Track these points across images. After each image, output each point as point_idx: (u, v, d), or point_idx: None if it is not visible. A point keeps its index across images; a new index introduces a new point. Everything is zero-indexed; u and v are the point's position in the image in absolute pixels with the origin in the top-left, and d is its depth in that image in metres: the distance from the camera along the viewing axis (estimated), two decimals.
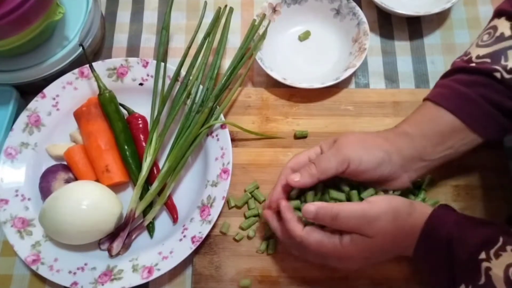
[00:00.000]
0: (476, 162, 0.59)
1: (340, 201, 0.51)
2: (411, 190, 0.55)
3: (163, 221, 0.58)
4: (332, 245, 0.46)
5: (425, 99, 0.53)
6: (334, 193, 0.51)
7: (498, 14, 0.52)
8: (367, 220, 0.44)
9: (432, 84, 0.65)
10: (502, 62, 0.48)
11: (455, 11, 0.70)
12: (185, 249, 0.53)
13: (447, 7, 0.65)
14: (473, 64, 0.50)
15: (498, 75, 0.48)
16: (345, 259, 0.47)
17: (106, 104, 0.59)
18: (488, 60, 0.49)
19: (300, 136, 0.61)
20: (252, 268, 0.55)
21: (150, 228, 0.57)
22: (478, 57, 0.50)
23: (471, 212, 0.57)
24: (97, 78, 0.60)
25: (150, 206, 0.57)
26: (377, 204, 0.45)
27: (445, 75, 0.54)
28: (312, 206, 0.45)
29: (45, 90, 0.61)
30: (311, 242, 0.46)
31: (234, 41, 0.69)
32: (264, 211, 0.52)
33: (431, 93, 0.53)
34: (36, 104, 0.60)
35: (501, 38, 0.49)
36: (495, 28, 0.50)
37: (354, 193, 0.51)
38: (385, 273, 0.54)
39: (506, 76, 0.48)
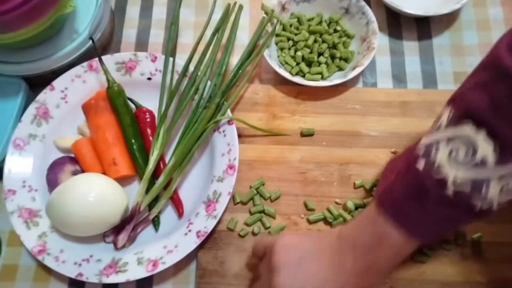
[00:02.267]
0: None
1: None
2: None
3: (168, 215, 0.58)
4: None
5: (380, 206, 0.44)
6: None
7: (467, 115, 0.39)
8: None
9: (440, 85, 0.65)
10: (483, 194, 0.39)
11: (464, 12, 0.70)
12: (190, 243, 0.54)
13: (457, 8, 0.65)
14: (450, 193, 0.39)
15: (476, 210, 0.40)
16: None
17: (114, 98, 0.59)
18: (466, 190, 0.39)
19: (307, 134, 0.61)
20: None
21: (156, 222, 0.57)
22: (454, 183, 0.39)
23: None
24: (106, 72, 0.60)
25: (155, 200, 0.57)
26: None
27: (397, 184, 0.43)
28: None
29: (54, 83, 0.61)
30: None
31: (243, 38, 0.69)
32: None
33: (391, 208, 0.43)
34: (45, 96, 0.61)
35: (483, 165, 0.38)
36: (470, 144, 0.39)
37: None
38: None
39: (485, 207, 0.40)
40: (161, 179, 0.56)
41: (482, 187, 0.39)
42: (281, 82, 0.64)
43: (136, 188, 0.57)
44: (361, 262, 0.43)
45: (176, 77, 0.61)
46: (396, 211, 0.42)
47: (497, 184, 0.39)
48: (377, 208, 0.43)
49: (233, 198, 0.58)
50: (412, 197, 0.42)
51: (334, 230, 0.47)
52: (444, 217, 0.41)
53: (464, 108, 0.40)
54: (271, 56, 0.63)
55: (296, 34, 0.64)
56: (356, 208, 0.57)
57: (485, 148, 0.38)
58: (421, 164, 0.41)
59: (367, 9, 0.64)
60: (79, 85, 0.62)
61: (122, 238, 0.54)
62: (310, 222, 0.57)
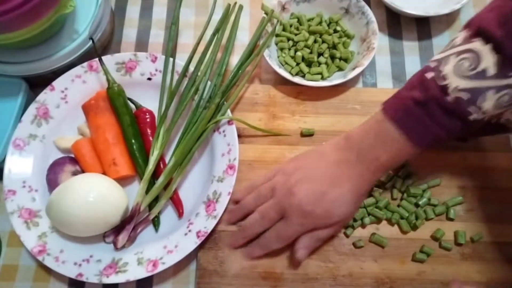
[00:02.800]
0: (482, 164, 0.59)
1: None
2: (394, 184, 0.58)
3: (168, 215, 0.58)
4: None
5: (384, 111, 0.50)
6: None
7: (478, 33, 0.45)
8: None
9: None
10: (478, 103, 0.44)
11: (464, 12, 0.70)
12: (190, 243, 0.54)
13: (456, 8, 0.65)
14: (449, 99, 0.45)
15: (470, 118, 0.45)
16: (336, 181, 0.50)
17: (114, 98, 0.59)
18: (465, 98, 0.44)
19: (307, 134, 0.61)
20: (256, 264, 0.55)
21: (156, 222, 0.57)
22: (455, 89, 0.44)
23: (477, 214, 0.57)
24: (106, 72, 0.60)
25: (155, 200, 0.57)
26: None
27: (411, 86, 0.48)
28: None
29: (54, 83, 0.61)
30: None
31: (243, 38, 0.69)
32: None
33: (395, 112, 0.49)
34: (45, 96, 0.61)
35: (483, 75, 0.43)
36: (476, 56, 0.44)
37: None
38: (389, 272, 0.54)
39: (477, 117, 0.45)
40: (161, 179, 0.56)
41: (479, 96, 0.44)
42: (281, 82, 0.64)
43: (136, 188, 0.57)
44: (364, 158, 0.50)
45: (176, 77, 0.61)
46: (399, 115, 0.48)
47: (493, 95, 0.44)
48: (382, 112, 0.49)
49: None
50: (415, 101, 0.46)
51: (341, 136, 0.53)
52: (441, 124, 0.46)
53: (476, 27, 0.45)
54: (271, 56, 0.63)
55: (296, 34, 0.64)
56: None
57: (489, 60, 0.43)
58: (429, 74, 0.46)
59: (367, 9, 0.64)
60: (79, 85, 0.62)
61: (122, 238, 0.54)
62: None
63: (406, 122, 0.47)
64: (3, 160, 0.58)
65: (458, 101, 0.44)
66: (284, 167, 0.55)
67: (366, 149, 0.50)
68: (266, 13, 0.64)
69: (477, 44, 0.44)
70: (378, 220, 0.56)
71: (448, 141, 0.48)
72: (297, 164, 0.54)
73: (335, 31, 0.65)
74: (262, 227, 0.53)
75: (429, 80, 0.46)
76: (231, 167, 0.57)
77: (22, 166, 0.58)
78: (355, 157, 0.50)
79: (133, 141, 0.58)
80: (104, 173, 0.58)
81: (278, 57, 0.65)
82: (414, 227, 0.56)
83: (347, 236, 0.56)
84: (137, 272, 0.53)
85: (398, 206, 0.57)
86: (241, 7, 0.65)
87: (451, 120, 0.45)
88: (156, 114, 0.60)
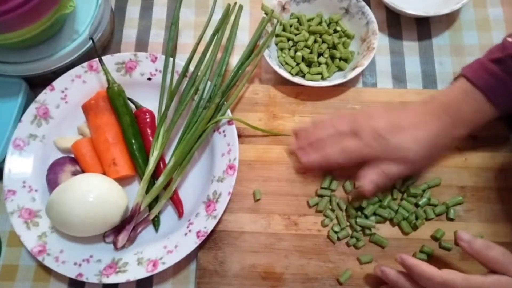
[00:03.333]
0: (483, 163, 0.59)
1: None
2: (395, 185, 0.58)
3: (168, 215, 0.58)
4: (478, 281, 0.45)
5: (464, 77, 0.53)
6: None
7: None
8: None
9: (440, 85, 0.65)
10: None
11: (464, 12, 0.70)
12: (190, 243, 0.54)
13: (456, 8, 0.65)
14: None
15: None
16: None
17: (114, 98, 0.59)
18: None
19: None
20: (256, 264, 0.55)
21: (156, 222, 0.57)
22: None
23: (477, 214, 0.57)
24: (106, 72, 0.60)
25: (155, 200, 0.57)
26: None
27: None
28: (468, 236, 0.46)
29: (54, 83, 0.61)
30: (454, 277, 0.45)
31: (243, 38, 0.69)
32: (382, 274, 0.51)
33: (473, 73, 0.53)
34: (45, 96, 0.61)
35: None
36: None
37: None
38: None
39: None
40: (161, 179, 0.56)
41: None
42: (281, 82, 0.64)
43: (136, 188, 0.57)
44: (449, 112, 0.52)
45: (176, 77, 0.61)
46: (478, 75, 0.51)
47: None
48: (462, 75, 0.53)
49: (253, 195, 0.58)
50: (493, 59, 0.51)
51: (425, 99, 0.55)
52: None
53: None
54: (271, 56, 0.63)
55: (296, 35, 0.64)
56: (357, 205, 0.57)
57: None
58: (510, 39, 0.50)
59: (367, 9, 0.64)
60: (79, 85, 0.62)
61: (122, 238, 0.54)
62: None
63: (484, 80, 0.51)
64: (3, 160, 0.58)
65: None
66: (369, 109, 0.56)
67: (451, 105, 0.52)
68: (266, 13, 0.64)
69: None
70: (384, 220, 0.56)
71: None
72: (384, 108, 0.55)
73: (335, 31, 0.65)
74: (327, 135, 0.54)
75: (509, 43, 0.51)
76: (231, 167, 0.57)
77: (22, 166, 0.58)
78: (441, 110, 0.52)
79: (133, 141, 0.58)
80: (104, 173, 0.58)
81: (278, 57, 0.65)
82: (414, 227, 0.56)
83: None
84: (137, 272, 0.53)
85: (398, 206, 0.57)
86: (241, 7, 0.65)
87: None
88: (156, 114, 0.60)
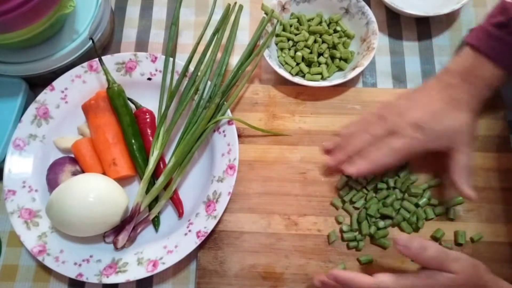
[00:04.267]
0: (482, 164, 0.59)
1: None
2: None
3: (168, 215, 0.58)
4: (409, 282, 0.45)
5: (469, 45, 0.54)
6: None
7: None
8: (450, 256, 0.45)
9: None
10: None
11: (464, 12, 0.70)
12: (190, 243, 0.54)
13: (456, 8, 0.65)
14: None
15: None
16: None
17: (114, 98, 0.59)
18: None
19: None
20: (256, 264, 0.55)
21: (156, 222, 0.57)
22: None
23: (477, 214, 0.57)
24: (106, 72, 0.60)
25: (155, 200, 0.57)
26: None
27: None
28: (405, 236, 0.46)
29: (54, 83, 0.61)
30: (388, 285, 0.45)
31: (243, 38, 0.69)
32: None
33: (478, 41, 0.53)
34: (45, 96, 0.61)
35: None
36: None
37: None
38: (389, 272, 0.54)
39: None
40: (161, 179, 0.56)
41: None
42: (281, 82, 0.64)
43: (136, 188, 0.57)
44: (468, 79, 0.52)
45: (176, 77, 0.61)
46: (481, 42, 0.52)
47: None
48: (466, 43, 0.53)
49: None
50: (496, 24, 0.51)
51: (438, 74, 0.56)
52: None
53: None
54: (271, 56, 0.63)
55: (296, 34, 0.64)
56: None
57: None
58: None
59: (367, 9, 0.64)
60: (79, 85, 0.62)
61: (122, 238, 0.54)
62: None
63: (489, 47, 0.51)
64: (3, 160, 0.58)
65: None
66: (390, 103, 0.55)
67: (467, 72, 0.52)
68: (266, 13, 0.64)
69: None
70: (392, 224, 0.56)
71: None
72: (403, 98, 0.55)
73: (335, 31, 0.65)
74: (365, 142, 0.53)
75: (509, 3, 0.50)
76: (231, 167, 0.57)
77: (22, 166, 0.58)
78: (461, 80, 0.52)
79: (133, 141, 0.58)
80: (104, 173, 0.58)
81: (278, 57, 0.65)
82: (416, 229, 0.56)
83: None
84: (137, 272, 0.53)
85: (400, 206, 0.57)
86: (241, 7, 0.65)
87: None
88: (156, 114, 0.60)
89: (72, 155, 0.60)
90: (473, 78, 0.52)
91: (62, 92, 0.61)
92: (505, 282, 0.47)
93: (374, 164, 0.53)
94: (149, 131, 0.60)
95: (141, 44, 0.70)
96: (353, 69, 0.62)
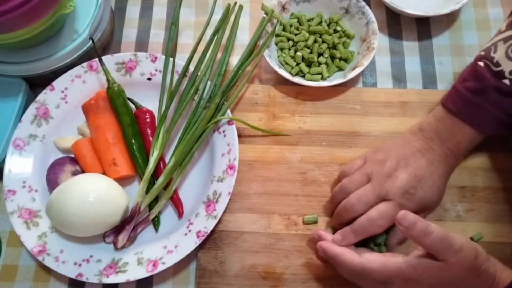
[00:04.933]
0: (482, 164, 0.59)
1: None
2: None
3: (168, 215, 0.58)
4: (395, 266, 0.45)
5: (444, 106, 0.55)
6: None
7: None
8: (454, 246, 0.44)
9: (440, 85, 0.65)
10: None
11: (464, 12, 0.70)
12: (190, 243, 0.54)
13: (457, 8, 0.65)
14: (507, 82, 0.50)
15: None
16: (412, 283, 0.45)
17: (114, 98, 0.59)
18: None
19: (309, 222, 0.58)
20: (256, 264, 0.55)
21: (156, 222, 0.57)
22: (511, 73, 0.50)
23: (476, 214, 0.57)
24: (106, 72, 0.60)
25: (155, 200, 0.57)
26: (461, 237, 0.45)
27: (466, 79, 0.53)
28: (410, 215, 0.45)
29: (54, 83, 0.61)
30: (373, 266, 0.46)
31: (243, 38, 0.69)
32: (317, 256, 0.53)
33: (453, 104, 0.54)
34: (45, 96, 0.61)
35: None
36: None
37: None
38: None
39: None
40: (161, 180, 0.56)
41: None
42: (281, 82, 0.64)
43: (136, 188, 0.57)
44: (445, 145, 0.53)
45: (176, 77, 0.61)
46: (459, 107, 0.52)
47: None
48: (442, 107, 0.54)
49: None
50: (473, 91, 0.51)
51: (413, 128, 0.56)
52: (502, 108, 0.51)
53: None
54: (271, 56, 0.63)
55: (296, 34, 0.64)
56: None
57: None
58: (481, 63, 0.51)
59: (367, 9, 0.64)
60: (79, 85, 0.62)
61: (122, 238, 0.54)
62: (304, 222, 0.57)
63: (467, 113, 0.52)
64: (3, 160, 0.58)
65: None
66: (373, 156, 0.55)
67: (444, 138, 0.53)
68: (266, 13, 0.64)
69: None
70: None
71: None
72: (387, 152, 0.54)
73: (335, 31, 0.65)
74: (358, 211, 0.52)
75: (482, 69, 0.51)
76: (231, 167, 0.57)
77: (22, 166, 0.58)
78: (438, 146, 0.53)
79: (133, 141, 0.58)
80: (104, 173, 0.58)
81: (278, 57, 0.65)
82: None
83: None
84: (137, 272, 0.53)
85: None
86: (241, 7, 0.65)
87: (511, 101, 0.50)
88: (156, 114, 0.60)
89: (72, 155, 0.60)
90: (452, 142, 0.53)
91: (62, 92, 0.61)
92: (505, 269, 0.46)
93: (362, 234, 0.51)
94: (149, 131, 0.60)
95: (141, 44, 0.70)
96: (353, 69, 0.62)
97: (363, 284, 0.49)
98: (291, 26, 0.65)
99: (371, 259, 0.46)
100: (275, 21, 0.65)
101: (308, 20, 0.66)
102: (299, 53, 0.63)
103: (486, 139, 0.60)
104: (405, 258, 0.45)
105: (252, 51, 0.63)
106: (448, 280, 0.44)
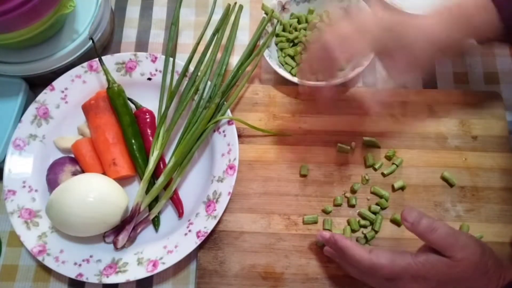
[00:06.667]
0: (482, 164, 0.59)
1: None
2: None
3: (168, 215, 0.58)
4: (404, 263, 0.45)
5: None
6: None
7: None
8: (459, 242, 0.44)
9: (440, 85, 0.65)
10: None
11: None
12: (190, 243, 0.54)
13: None
14: None
15: None
16: (420, 279, 0.45)
17: (114, 98, 0.59)
18: None
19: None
20: (256, 264, 0.55)
21: (156, 222, 0.57)
22: None
23: (477, 214, 0.57)
24: (106, 72, 0.60)
25: (155, 200, 0.57)
26: (467, 234, 0.45)
27: None
28: (414, 212, 0.45)
29: (54, 83, 0.61)
30: (383, 262, 0.45)
31: (243, 38, 0.69)
32: (325, 249, 0.53)
33: None
34: (45, 96, 0.61)
35: None
36: None
37: None
38: None
39: None
40: (161, 180, 0.56)
41: None
42: (281, 82, 0.64)
43: (136, 188, 0.57)
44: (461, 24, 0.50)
45: (176, 77, 0.61)
46: None
47: None
48: None
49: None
50: None
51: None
52: None
53: None
54: (271, 56, 0.63)
55: (295, 34, 0.64)
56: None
57: None
58: None
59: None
60: (79, 85, 0.62)
61: (122, 238, 0.54)
62: (304, 222, 0.57)
63: None
64: (3, 160, 0.58)
65: None
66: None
67: (465, 15, 0.51)
68: (266, 13, 0.64)
69: None
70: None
71: None
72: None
73: None
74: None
75: None
76: (231, 167, 0.57)
77: (22, 166, 0.58)
78: (453, 21, 0.51)
79: (133, 141, 0.58)
80: (104, 173, 0.58)
81: (278, 57, 0.65)
82: None
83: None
84: (137, 272, 0.53)
85: None
86: (241, 7, 0.65)
87: None
88: (156, 114, 0.60)
89: (72, 155, 0.60)
90: (468, 23, 0.51)
91: (62, 92, 0.61)
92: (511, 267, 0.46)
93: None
94: (149, 131, 0.60)
95: (141, 44, 0.70)
96: (353, 69, 0.62)
97: (369, 281, 0.49)
98: (291, 26, 0.65)
99: (381, 255, 0.46)
100: (275, 21, 0.65)
101: (308, 21, 0.66)
102: (298, 48, 0.63)
103: (486, 138, 0.60)
104: (413, 255, 0.45)
105: (252, 51, 0.63)
106: (456, 277, 0.44)
